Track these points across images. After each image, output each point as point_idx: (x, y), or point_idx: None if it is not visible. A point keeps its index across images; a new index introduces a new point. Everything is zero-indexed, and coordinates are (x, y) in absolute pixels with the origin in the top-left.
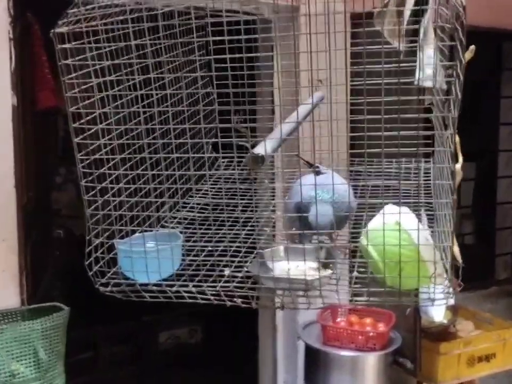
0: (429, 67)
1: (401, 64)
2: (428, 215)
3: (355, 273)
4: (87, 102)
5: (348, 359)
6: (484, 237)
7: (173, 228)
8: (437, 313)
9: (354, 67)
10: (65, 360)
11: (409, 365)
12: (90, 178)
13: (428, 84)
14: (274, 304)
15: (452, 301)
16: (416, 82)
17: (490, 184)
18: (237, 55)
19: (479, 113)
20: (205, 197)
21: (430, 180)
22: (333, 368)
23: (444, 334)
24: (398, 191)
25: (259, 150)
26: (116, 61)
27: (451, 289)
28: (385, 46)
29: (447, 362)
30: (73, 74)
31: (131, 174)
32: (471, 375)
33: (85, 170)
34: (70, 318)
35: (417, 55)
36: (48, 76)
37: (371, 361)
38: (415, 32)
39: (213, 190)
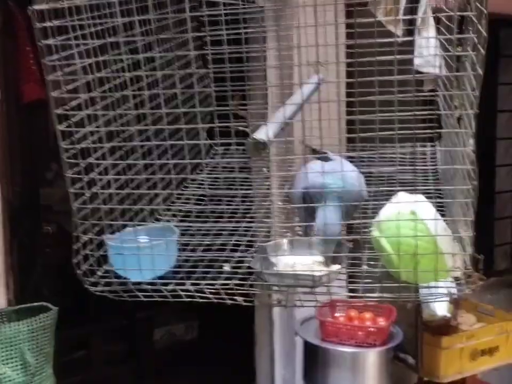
0: (428, 52)
1: (399, 42)
2: (437, 203)
3: (364, 267)
4: (70, 86)
5: (347, 356)
6: (483, 226)
7: (167, 221)
8: (440, 307)
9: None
10: (58, 359)
11: (411, 360)
12: (76, 169)
13: (428, 69)
14: (278, 302)
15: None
16: (415, 68)
17: (488, 173)
18: (232, 32)
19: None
20: (200, 188)
21: (437, 165)
22: (332, 364)
23: (445, 327)
24: (405, 178)
25: (260, 135)
26: (102, 41)
27: (470, 284)
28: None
29: (450, 356)
30: (55, 56)
31: (121, 164)
32: (473, 369)
33: (70, 160)
34: (62, 316)
35: (415, 40)
36: (33, 67)
37: (371, 358)
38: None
39: (209, 180)
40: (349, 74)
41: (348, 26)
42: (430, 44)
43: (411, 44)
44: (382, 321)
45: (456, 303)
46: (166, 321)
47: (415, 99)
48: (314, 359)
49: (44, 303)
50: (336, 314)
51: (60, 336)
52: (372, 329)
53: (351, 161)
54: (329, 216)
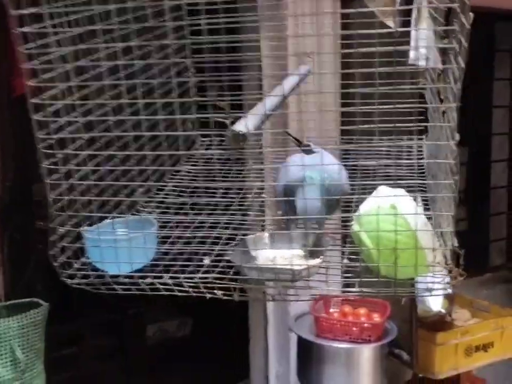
0: (423, 46)
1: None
2: (421, 197)
3: (345, 261)
4: (47, 75)
5: (342, 352)
6: (478, 222)
7: (148, 213)
8: (435, 303)
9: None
10: (48, 355)
11: (406, 356)
12: (53, 160)
13: (422, 63)
14: (261, 296)
15: (449, 289)
16: (409, 62)
17: (483, 169)
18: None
19: (471, 96)
20: (182, 181)
21: (423, 159)
22: (327, 360)
23: (440, 323)
24: (390, 171)
25: (240, 127)
26: (78, 29)
27: (451, 279)
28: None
29: (444, 352)
30: (32, 45)
31: (99, 155)
32: (468, 365)
33: (46, 151)
34: (53, 311)
35: (411, 33)
36: None
37: (366, 354)
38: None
39: (191, 172)
40: (342, 66)
41: (343, 17)
42: (422, 37)
43: (404, 36)
44: (376, 317)
45: (450, 298)
46: (159, 318)
47: (408, 92)
48: (309, 355)
49: (35, 299)
50: (331, 310)
51: (50, 332)
52: (367, 325)
53: (347, 154)
54: (309, 195)
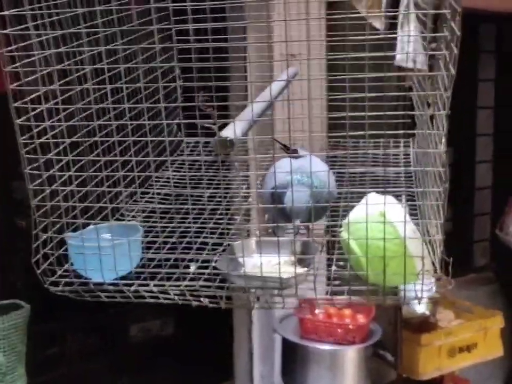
0: (410, 47)
1: (379, 38)
2: (409, 205)
3: (333, 268)
4: (30, 78)
5: (326, 353)
6: (462, 223)
7: (133, 217)
8: (419, 305)
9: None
10: (32, 355)
11: (390, 357)
12: (35, 165)
13: (409, 64)
14: (246, 304)
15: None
16: (395, 63)
17: (468, 169)
18: (202, 25)
19: (455, 97)
20: (166, 186)
21: (410, 166)
22: (311, 362)
23: (424, 324)
24: (378, 178)
25: (227, 132)
26: (60, 32)
27: (440, 288)
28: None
29: (428, 354)
30: (13, 46)
31: (82, 160)
32: (452, 366)
33: (29, 156)
34: (35, 311)
35: (397, 34)
36: None
37: (350, 355)
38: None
39: (176, 177)
40: (331, 68)
41: (329, 19)
42: (410, 39)
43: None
44: (361, 318)
45: (434, 299)
46: (142, 317)
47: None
48: (293, 357)
49: (16, 301)
50: (316, 311)
51: (33, 332)
52: (351, 326)
53: (334, 160)
54: (296, 192)
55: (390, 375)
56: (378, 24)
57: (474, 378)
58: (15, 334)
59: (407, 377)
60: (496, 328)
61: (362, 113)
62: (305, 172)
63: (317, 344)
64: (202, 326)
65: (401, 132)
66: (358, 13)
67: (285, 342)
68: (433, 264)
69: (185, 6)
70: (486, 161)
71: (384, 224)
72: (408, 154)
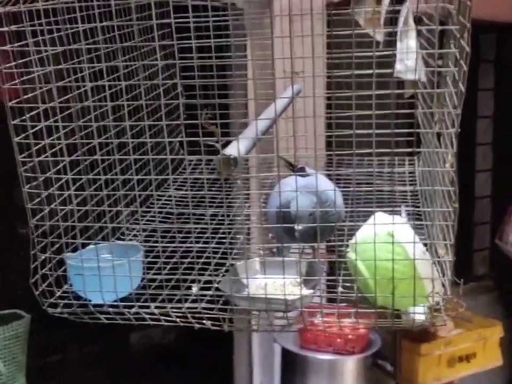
0: (409, 58)
1: (380, 53)
2: (416, 225)
3: (340, 289)
4: (30, 95)
5: (325, 363)
6: (462, 231)
7: (130, 239)
8: (419, 314)
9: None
10: (33, 364)
11: (389, 367)
12: (34, 183)
13: (409, 76)
14: (249, 327)
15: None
16: (395, 75)
17: (468, 178)
18: (205, 42)
19: None
20: (167, 205)
21: (416, 184)
22: (311, 372)
23: (423, 334)
24: (384, 197)
25: (231, 150)
26: (61, 48)
27: (450, 310)
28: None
29: (428, 363)
30: (13, 63)
31: (82, 179)
32: (451, 376)
33: (27, 174)
34: (36, 320)
35: (397, 46)
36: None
37: (350, 365)
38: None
39: (177, 196)
40: (329, 86)
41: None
42: (410, 50)
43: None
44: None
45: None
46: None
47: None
48: (293, 366)
49: (17, 311)
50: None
51: (34, 340)
52: (351, 336)
53: (338, 179)
54: (302, 199)
55: None
56: (378, 36)
57: None
58: (16, 343)
59: None
60: (496, 337)
61: (370, 131)
62: (312, 191)
63: (317, 354)
64: (203, 334)
65: (410, 150)
66: (358, 29)
67: (285, 351)
68: (443, 285)
69: (188, 23)
70: (485, 170)
71: (393, 245)
72: (413, 173)
